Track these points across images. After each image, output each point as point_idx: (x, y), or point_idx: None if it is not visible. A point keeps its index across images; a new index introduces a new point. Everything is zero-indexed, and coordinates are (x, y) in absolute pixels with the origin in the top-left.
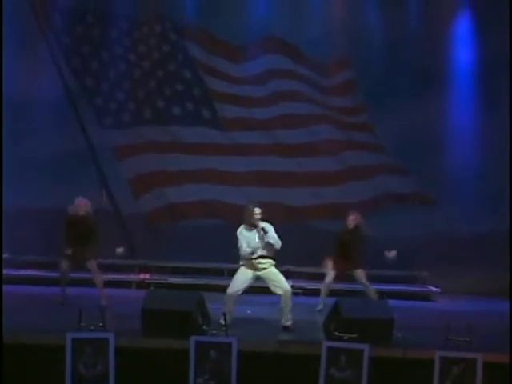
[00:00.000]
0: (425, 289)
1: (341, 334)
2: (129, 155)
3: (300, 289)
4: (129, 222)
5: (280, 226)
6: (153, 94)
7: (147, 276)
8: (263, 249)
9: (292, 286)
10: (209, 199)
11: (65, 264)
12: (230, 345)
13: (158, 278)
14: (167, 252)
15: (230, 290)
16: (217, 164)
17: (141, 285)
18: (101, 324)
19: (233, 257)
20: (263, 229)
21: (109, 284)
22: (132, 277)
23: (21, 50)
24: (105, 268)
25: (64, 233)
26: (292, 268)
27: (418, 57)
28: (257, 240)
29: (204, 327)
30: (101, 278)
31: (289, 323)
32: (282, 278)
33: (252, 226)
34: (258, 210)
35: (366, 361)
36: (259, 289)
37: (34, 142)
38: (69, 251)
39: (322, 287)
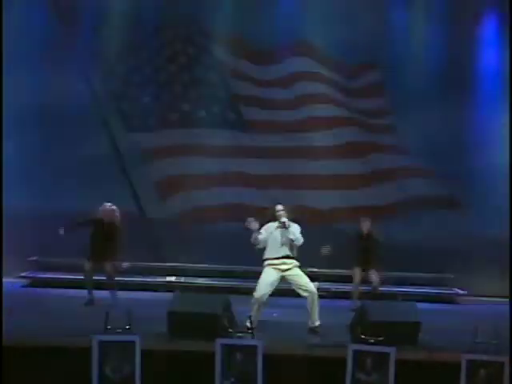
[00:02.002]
0: (451, 291)
1: (367, 337)
2: (155, 158)
3: (326, 291)
4: (155, 225)
5: (306, 229)
6: (179, 97)
7: (173, 279)
8: (286, 247)
9: (318, 289)
10: (234, 202)
11: (87, 266)
12: (255, 348)
13: (184, 281)
14: (193, 255)
15: (257, 294)
16: (242, 167)
17: (167, 287)
18: (127, 327)
19: (258, 259)
20: (284, 223)
21: (135, 287)
22: (158, 280)
23: (47, 55)
24: (131, 271)
25: (90, 234)
26: (318, 270)
27: (445, 59)
28: (280, 239)
29: (230, 330)
30: (115, 282)
31: (316, 324)
32: (307, 279)
33: (273, 220)
34: (279, 207)
35: (393, 364)
36: (285, 291)
37: (60, 146)
38: (91, 254)
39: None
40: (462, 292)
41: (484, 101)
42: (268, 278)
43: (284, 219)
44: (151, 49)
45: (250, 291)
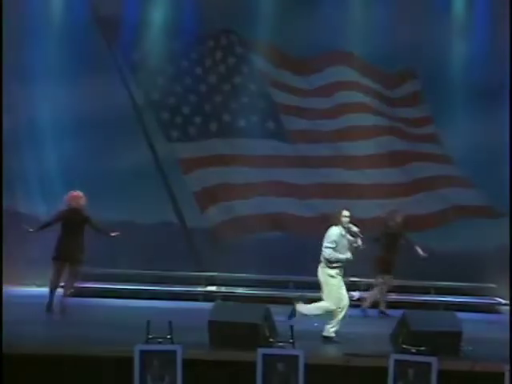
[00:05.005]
0: (493, 301)
1: (408, 347)
2: (195, 168)
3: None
4: (195, 235)
5: None
6: (219, 106)
7: (214, 288)
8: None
9: (358, 299)
10: (274, 212)
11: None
12: (297, 357)
13: (225, 291)
14: (233, 264)
15: (345, 303)
16: (282, 176)
17: (207, 297)
18: (168, 336)
19: (299, 269)
20: (355, 232)
21: (176, 296)
22: (199, 289)
23: (88, 66)
24: (171, 280)
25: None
26: (358, 280)
27: (486, 68)
28: (346, 244)
29: (271, 339)
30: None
31: (332, 334)
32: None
33: (340, 225)
34: (347, 213)
35: (435, 374)
36: None
37: (100, 156)
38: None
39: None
40: (504, 302)
41: None
42: (342, 289)
43: (356, 228)
44: (191, 59)
45: (289, 301)
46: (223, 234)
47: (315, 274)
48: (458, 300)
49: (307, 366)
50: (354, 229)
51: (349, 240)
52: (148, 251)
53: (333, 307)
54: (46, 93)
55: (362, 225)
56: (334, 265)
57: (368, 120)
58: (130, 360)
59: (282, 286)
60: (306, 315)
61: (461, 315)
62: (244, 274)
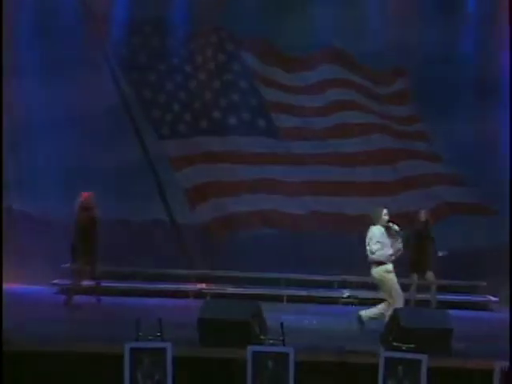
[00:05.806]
0: (484, 298)
1: (399, 344)
2: (185, 165)
3: (355, 298)
4: (186, 232)
5: (336, 235)
6: (209, 104)
7: (204, 286)
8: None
9: (348, 296)
10: (265, 209)
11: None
12: (287, 355)
13: (215, 288)
14: (224, 262)
15: (399, 304)
16: (273, 174)
17: (198, 294)
18: (158, 334)
19: (290, 266)
20: (395, 230)
21: (166, 294)
22: (189, 286)
23: (79, 63)
24: (162, 278)
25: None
26: (348, 277)
27: (476, 65)
28: (389, 241)
29: (261, 337)
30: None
31: (366, 318)
32: None
33: (379, 225)
34: (386, 211)
35: (424, 371)
36: (323, 299)
37: (90, 153)
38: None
39: None
40: (494, 299)
41: None
42: (398, 285)
43: (396, 227)
44: (182, 56)
45: (279, 298)
46: (214, 232)
47: (307, 271)
48: (448, 297)
49: (298, 364)
50: (395, 227)
51: (390, 238)
52: (138, 249)
53: (400, 305)
54: (35, 91)
55: (351, 222)
56: (385, 262)
57: (358, 118)
58: (120, 357)
59: (274, 283)
60: (375, 318)
61: (452, 312)
62: (235, 272)
